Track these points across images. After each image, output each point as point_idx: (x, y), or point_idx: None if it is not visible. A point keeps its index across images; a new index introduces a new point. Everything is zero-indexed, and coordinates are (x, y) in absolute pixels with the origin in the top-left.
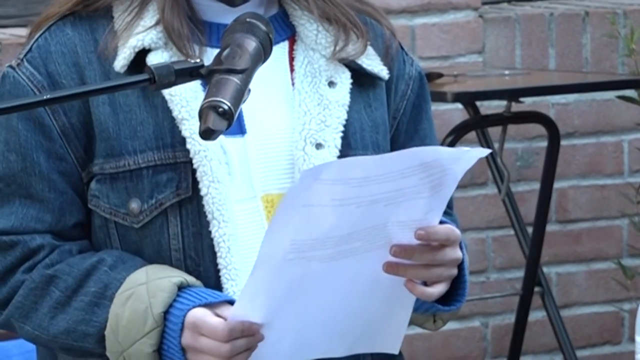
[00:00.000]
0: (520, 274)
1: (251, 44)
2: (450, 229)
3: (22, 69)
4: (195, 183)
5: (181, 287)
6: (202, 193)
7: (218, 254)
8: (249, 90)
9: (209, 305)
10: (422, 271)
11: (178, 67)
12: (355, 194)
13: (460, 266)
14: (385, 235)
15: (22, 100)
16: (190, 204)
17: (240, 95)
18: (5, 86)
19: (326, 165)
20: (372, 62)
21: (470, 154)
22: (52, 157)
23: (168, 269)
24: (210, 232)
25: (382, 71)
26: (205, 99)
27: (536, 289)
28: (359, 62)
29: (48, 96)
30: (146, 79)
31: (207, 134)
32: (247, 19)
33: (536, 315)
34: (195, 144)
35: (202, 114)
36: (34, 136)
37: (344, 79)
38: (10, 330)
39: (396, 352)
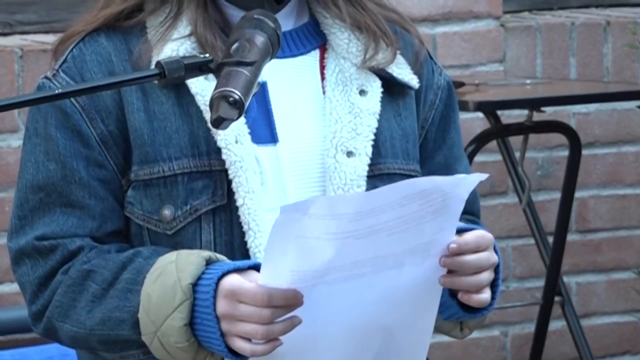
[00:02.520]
0: (540, 283)
1: (259, 38)
2: (479, 235)
3: (58, 78)
4: (229, 192)
5: (209, 262)
6: (238, 204)
7: None
8: (259, 84)
9: (239, 271)
10: (472, 279)
11: (187, 62)
12: (350, 227)
13: (496, 269)
14: (396, 261)
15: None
16: (224, 212)
17: (250, 86)
18: None
19: (313, 200)
20: (403, 71)
21: (469, 179)
22: (92, 165)
23: (198, 250)
24: (244, 242)
25: (412, 80)
26: (215, 90)
27: (556, 298)
28: (390, 70)
29: (59, 91)
30: (156, 74)
31: (218, 122)
32: (255, 16)
33: (556, 324)
34: (231, 154)
35: (212, 104)
36: (73, 144)
37: (375, 87)
38: (52, 337)
39: None
